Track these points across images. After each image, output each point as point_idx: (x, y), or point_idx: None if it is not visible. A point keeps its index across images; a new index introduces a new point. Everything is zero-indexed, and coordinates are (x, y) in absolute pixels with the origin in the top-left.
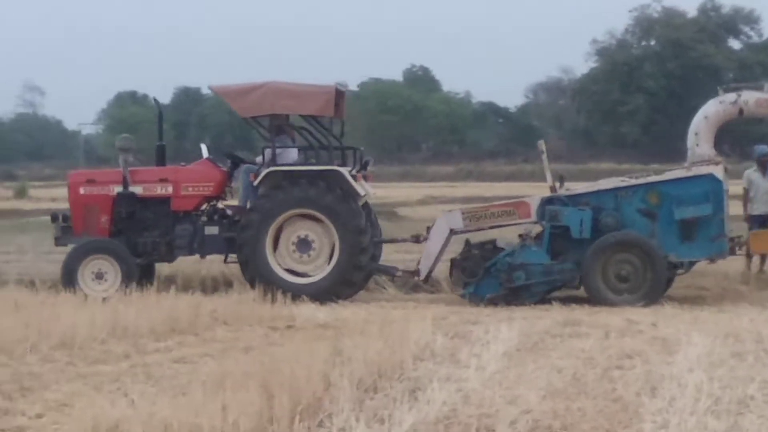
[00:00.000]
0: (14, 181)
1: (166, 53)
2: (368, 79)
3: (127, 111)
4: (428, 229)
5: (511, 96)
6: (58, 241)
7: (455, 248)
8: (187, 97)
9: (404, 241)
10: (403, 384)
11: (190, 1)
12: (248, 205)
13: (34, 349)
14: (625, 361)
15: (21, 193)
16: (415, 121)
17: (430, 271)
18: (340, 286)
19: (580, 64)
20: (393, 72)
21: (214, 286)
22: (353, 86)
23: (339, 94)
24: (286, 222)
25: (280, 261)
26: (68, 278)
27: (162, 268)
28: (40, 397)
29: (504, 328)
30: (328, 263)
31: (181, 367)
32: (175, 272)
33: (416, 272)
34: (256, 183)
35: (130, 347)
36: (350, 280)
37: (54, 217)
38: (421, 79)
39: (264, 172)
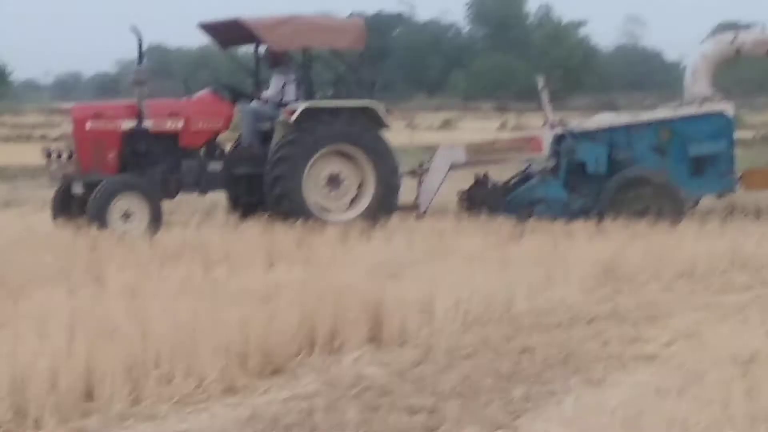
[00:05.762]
0: (615, 110)
1: None
2: None
3: None
4: (422, 164)
5: None
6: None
7: None
8: None
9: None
10: None
11: None
12: (250, 145)
13: (655, 277)
14: None
15: None
16: None
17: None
18: (383, 212)
19: None
20: None
21: None
22: None
23: None
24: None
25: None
26: (98, 218)
27: None
28: (665, 325)
29: None
30: (350, 205)
31: None
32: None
33: (415, 206)
34: (293, 120)
35: (751, 278)
36: (390, 203)
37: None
38: None
39: (301, 107)
